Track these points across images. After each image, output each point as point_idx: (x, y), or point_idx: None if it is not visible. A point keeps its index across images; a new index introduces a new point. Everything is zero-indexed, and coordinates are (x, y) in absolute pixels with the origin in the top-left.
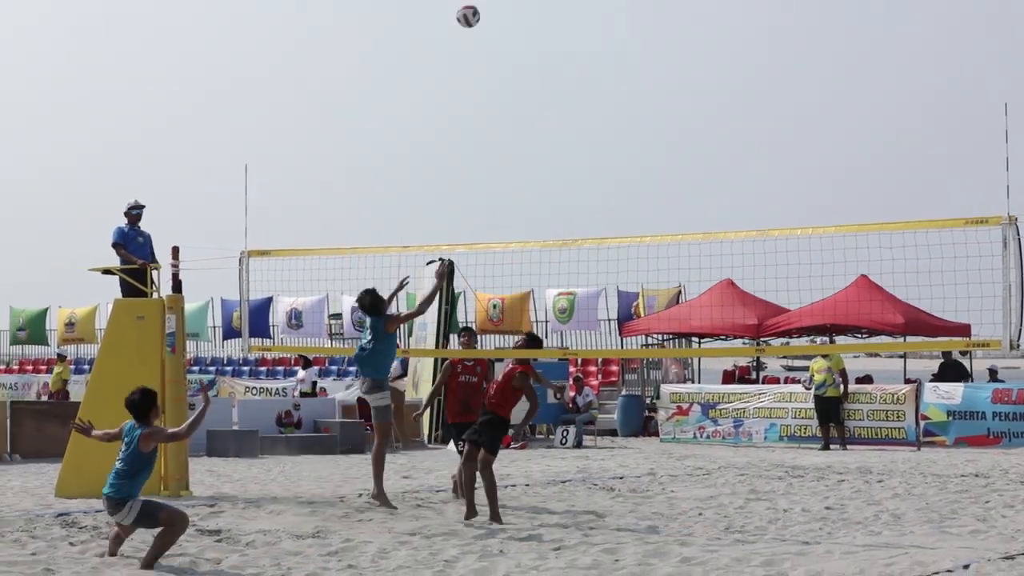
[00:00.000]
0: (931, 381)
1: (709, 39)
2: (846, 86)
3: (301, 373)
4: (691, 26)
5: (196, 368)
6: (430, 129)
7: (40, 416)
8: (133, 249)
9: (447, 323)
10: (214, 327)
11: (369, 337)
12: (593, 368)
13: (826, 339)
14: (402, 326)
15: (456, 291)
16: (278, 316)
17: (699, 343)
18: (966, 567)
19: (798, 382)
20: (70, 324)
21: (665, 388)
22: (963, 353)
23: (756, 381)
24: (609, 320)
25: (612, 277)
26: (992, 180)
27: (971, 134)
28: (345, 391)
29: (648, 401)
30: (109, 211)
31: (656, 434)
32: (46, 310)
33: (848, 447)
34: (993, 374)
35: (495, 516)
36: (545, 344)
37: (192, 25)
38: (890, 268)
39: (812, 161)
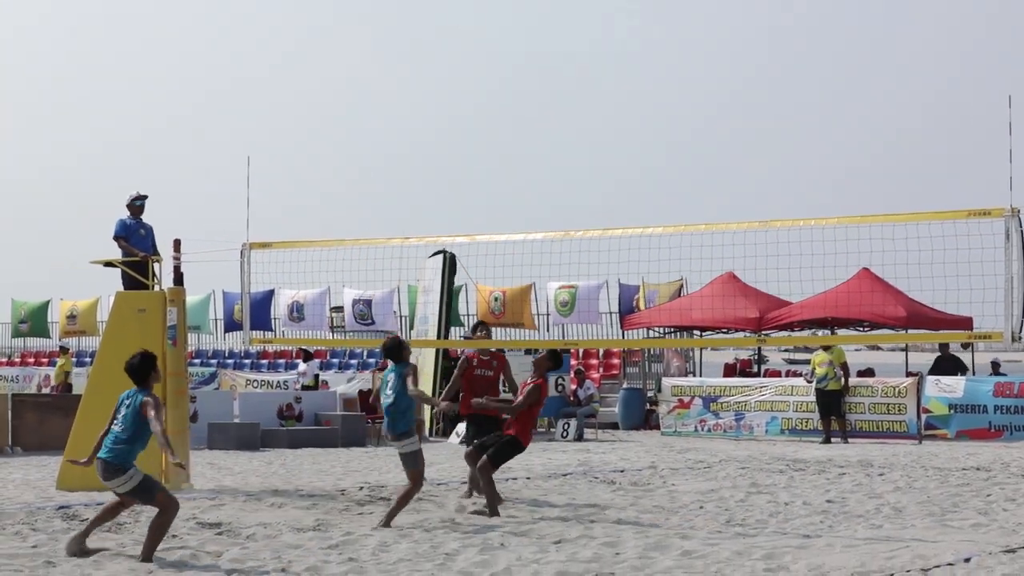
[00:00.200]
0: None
1: (709, 36)
2: (849, 80)
3: (302, 366)
4: (693, 24)
5: (198, 361)
6: (430, 128)
7: (42, 409)
8: (135, 242)
9: (448, 316)
10: (216, 320)
11: (390, 391)
12: (594, 361)
13: (827, 332)
14: (404, 320)
15: (457, 284)
16: (279, 309)
17: (700, 336)
18: (967, 560)
19: (799, 375)
20: (72, 317)
21: (666, 381)
22: (964, 346)
23: (757, 374)
24: (611, 313)
25: (614, 268)
26: (995, 172)
27: (974, 127)
28: (346, 384)
29: (649, 394)
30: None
31: (657, 427)
32: (48, 303)
33: (849, 440)
34: (996, 367)
35: (493, 511)
36: (546, 336)
37: (192, 24)
38: (892, 260)
39: (814, 154)
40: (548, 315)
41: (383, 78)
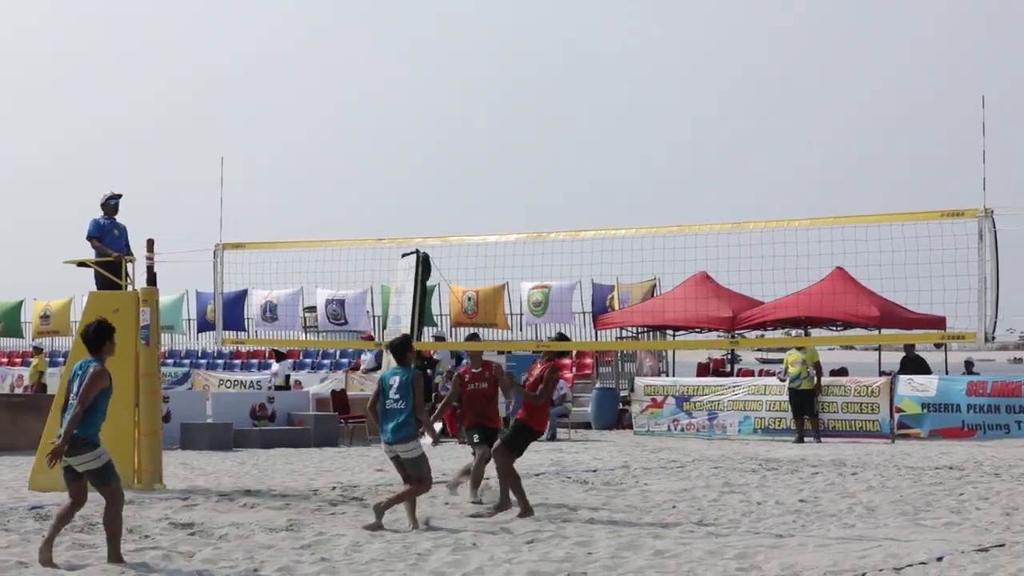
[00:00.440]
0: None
1: (682, 33)
2: (823, 83)
3: (275, 366)
4: (669, 26)
5: (171, 361)
6: (404, 131)
7: (14, 409)
8: (108, 242)
9: (421, 316)
10: (189, 320)
11: (399, 396)
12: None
13: (801, 332)
14: (376, 320)
15: (430, 284)
16: (252, 309)
17: (674, 336)
18: (940, 559)
19: (772, 375)
20: (45, 316)
21: (639, 381)
22: (938, 346)
23: (730, 374)
24: (584, 313)
25: (587, 269)
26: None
27: (948, 127)
28: (319, 384)
29: (622, 394)
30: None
31: (630, 427)
32: (21, 303)
33: (822, 440)
34: (969, 366)
35: (526, 510)
36: (520, 337)
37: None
38: (866, 261)
39: (788, 155)
40: (521, 315)
41: (358, 82)
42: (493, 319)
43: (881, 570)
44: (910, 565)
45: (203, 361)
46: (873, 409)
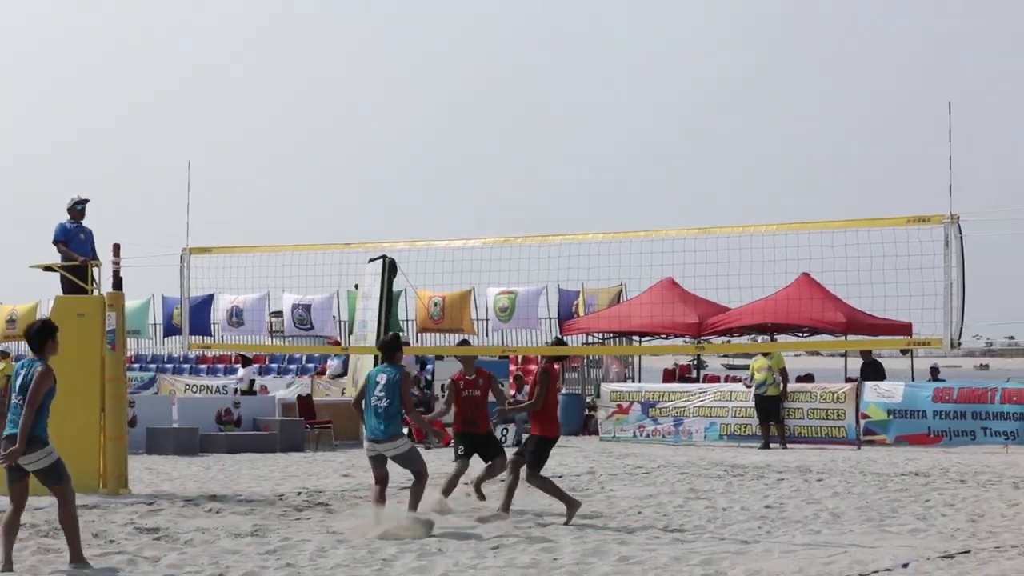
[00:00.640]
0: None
1: (649, 40)
2: (791, 87)
3: (241, 371)
4: (632, 29)
5: (137, 365)
6: (372, 136)
7: None
8: (75, 246)
9: (387, 321)
10: (155, 324)
11: (384, 394)
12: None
13: (767, 338)
14: (343, 324)
15: (397, 289)
16: (219, 313)
17: (640, 342)
18: (905, 566)
19: (738, 381)
20: (11, 321)
21: (605, 387)
22: (904, 352)
23: (696, 380)
24: (550, 319)
25: (553, 275)
26: (935, 179)
27: (914, 133)
28: (286, 389)
29: (588, 400)
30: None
31: (596, 433)
32: None
33: (788, 446)
34: (935, 373)
35: (570, 506)
36: (485, 342)
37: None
38: (832, 267)
39: (753, 161)
40: (488, 320)
41: (325, 87)
42: (459, 324)
43: None
44: (875, 572)
45: (169, 366)
46: (839, 415)
